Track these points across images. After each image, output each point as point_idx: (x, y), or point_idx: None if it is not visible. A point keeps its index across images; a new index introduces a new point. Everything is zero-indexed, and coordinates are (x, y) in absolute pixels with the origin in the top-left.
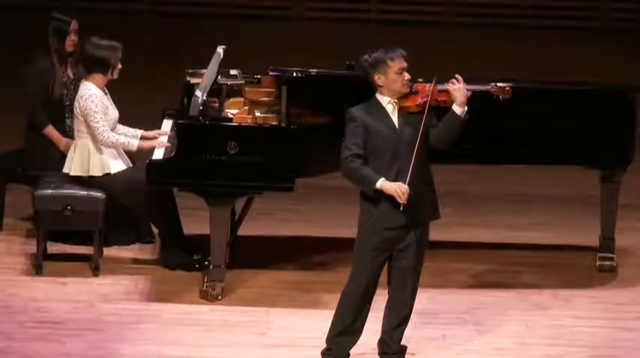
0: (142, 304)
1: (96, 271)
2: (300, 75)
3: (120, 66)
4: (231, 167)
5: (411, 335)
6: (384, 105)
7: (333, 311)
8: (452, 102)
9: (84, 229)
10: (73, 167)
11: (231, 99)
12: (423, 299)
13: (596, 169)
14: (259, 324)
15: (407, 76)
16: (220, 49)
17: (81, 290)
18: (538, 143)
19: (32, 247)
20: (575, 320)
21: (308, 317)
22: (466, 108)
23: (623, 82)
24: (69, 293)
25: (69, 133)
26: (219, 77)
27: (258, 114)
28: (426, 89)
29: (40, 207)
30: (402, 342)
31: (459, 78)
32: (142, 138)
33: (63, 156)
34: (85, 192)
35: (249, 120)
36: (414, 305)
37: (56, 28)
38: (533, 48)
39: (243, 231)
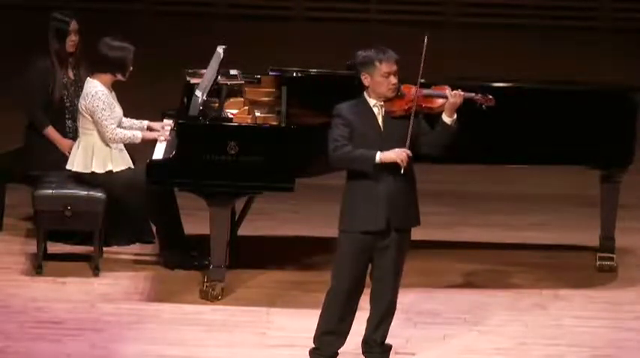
0: (142, 304)
1: (96, 271)
2: (300, 75)
3: (131, 68)
4: (231, 167)
5: (411, 335)
6: (370, 105)
7: None
8: (438, 109)
9: (84, 229)
10: (75, 163)
11: (231, 99)
12: (423, 299)
13: (596, 169)
14: (259, 324)
15: (394, 80)
16: (220, 49)
17: (81, 290)
18: (538, 143)
19: (32, 247)
20: (575, 320)
21: (308, 317)
22: (455, 116)
23: (624, 82)
24: (69, 293)
25: (69, 135)
26: (219, 77)
27: (258, 114)
28: (412, 94)
29: (40, 207)
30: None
31: (448, 88)
32: (149, 128)
33: (63, 156)
34: (85, 192)
35: (249, 120)
36: (402, 306)
37: (56, 29)
38: (533, 48)
39: (243, 231)
